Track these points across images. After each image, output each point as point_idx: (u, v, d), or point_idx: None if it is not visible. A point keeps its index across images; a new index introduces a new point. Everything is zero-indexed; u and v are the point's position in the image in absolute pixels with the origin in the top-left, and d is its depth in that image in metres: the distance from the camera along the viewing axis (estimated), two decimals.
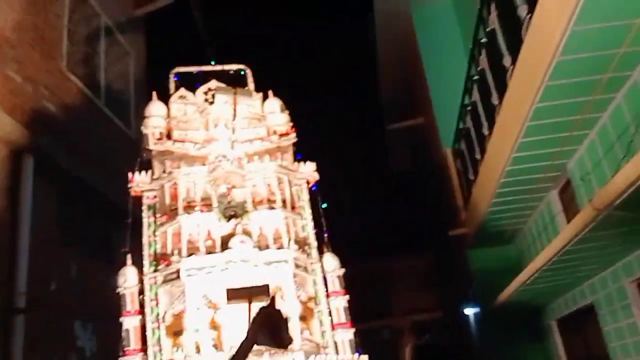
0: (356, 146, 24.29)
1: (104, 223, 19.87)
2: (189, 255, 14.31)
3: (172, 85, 17.45)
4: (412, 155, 28.04)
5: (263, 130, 17.01)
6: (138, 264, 15.19)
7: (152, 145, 16.21)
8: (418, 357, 17.29)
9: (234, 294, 13.55)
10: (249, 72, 18.09)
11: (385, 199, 24.10)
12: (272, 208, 15.10)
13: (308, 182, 16.59)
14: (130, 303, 14.39)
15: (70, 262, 18.84)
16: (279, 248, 14.58)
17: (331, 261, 15.37)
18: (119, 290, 14.44)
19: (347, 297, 15.45)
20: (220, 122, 16.36)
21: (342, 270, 15.66)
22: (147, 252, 14.97)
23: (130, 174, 16.13)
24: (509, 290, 18.61)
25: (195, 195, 15.12)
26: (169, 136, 16.53)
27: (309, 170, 16.80)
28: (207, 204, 14.99)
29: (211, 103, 17.04)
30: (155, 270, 14.63)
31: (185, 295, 13.99)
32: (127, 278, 14.53)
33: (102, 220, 19.94)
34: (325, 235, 15.91)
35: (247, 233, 14.66)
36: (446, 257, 23.65)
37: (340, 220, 16.34)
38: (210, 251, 14.38)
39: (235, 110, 16.43)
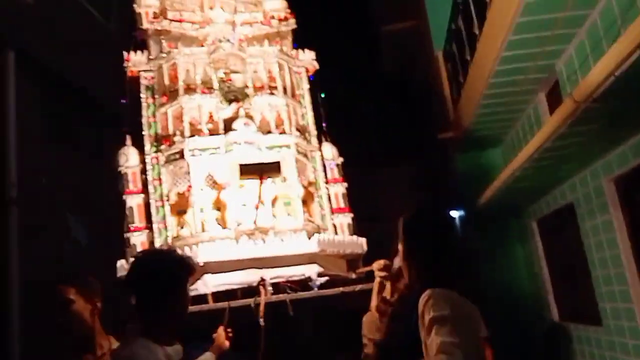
0: (350, 43, 24.32)
1: (93, 120, 19.88)
2: (191, 136, 14.45)
3: None
4: (404, 59, 28.28)
5: (260, 15, 16.52)
6: (138, 145, 15.04)
7: (147, 24, 16.22)
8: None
9: (246, 170, 13.76)
10: None
11: (376, 103, 24.38)
12: (273, 94, 15.13)
13: (307, 71, 16.42)
14: (133, 182, 14.59)
15: (61, 158, 18.88)
16: (281, 133, 14.77)
17: (330, 150, 15.70)
18: (120, 169, 14.59)
19: (346, 184, 16.03)
20: (217, 3, 16.58)
21: (340, 159, 16.19)
22: (147, 133, 15.03)
23: (125, 53, 16.10)
24: (492, 189, 19.13)
25: (195, 77, 14.98)
26: (164, 16, 16.41)
27: (308, 59, 16.90)
28: (207, 86, 14.94)
29: None
30: (157, 151, 14.76)
31: (190, 175, 14.21)
32: (129, 157, 14.65)
33: (90, 117, 19.93)
34: (324, 125, 16.40)
35: (249, 117, 14.73)
36: (435, 161, 24.27)
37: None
38: (213, 133, 14.48)
39: None
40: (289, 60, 15.86)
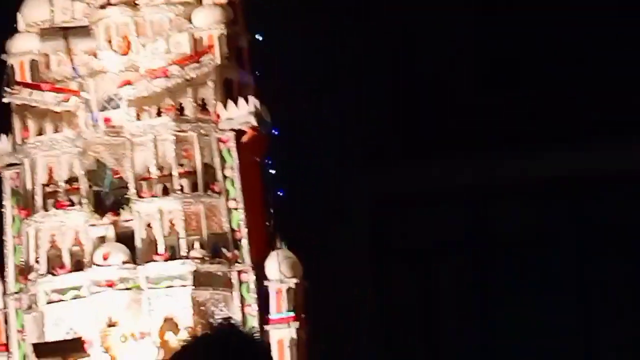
0: None
1: None
2: (51, 271, 12.19)
3: None
4: None
5: (184, 41, 12.84)
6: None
7: (6, 94, 12.62)
8: None
9: (43, 350, 11.74)
10: None
11: None
12: (166, 193, 12.15)
13: (240, 135, 12.70)
14: None
15: None
16: (170, 258, 11.86)
17: (279, 266, 12.11)
18: None
19: (298, 324, 11.98)
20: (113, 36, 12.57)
21: (294, 280, 11.91)
22: (11, 262, 12.77)
23: None
24: None
25: (59, 178, 12.46)
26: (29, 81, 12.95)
27: (241, 114, 12.51)
28: (75, 188, 12.45)
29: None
30: (20, 290, 12.60)
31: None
32: None
33: None
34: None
35: (123, 237, 12.11)
36: None
37: None
38: (79, 263, 12.20)
39: None
40: (201, 127, 12.47)
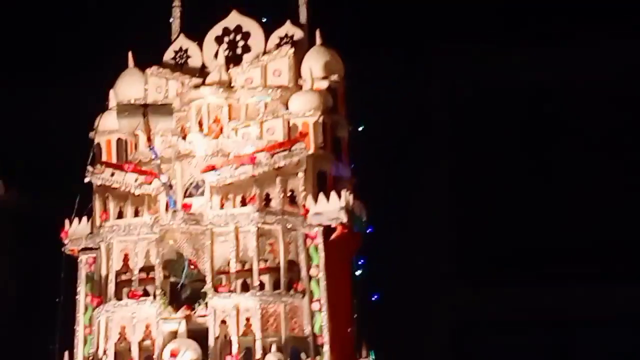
0: None
1: None
2: None
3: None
4: None
5: (278, 127, 12.62)
6: None
7: (88, 173, 12.51)
8: None
9: None
10: None
11: None
12: (245, 289, 11.67)
13: (330, 232, 12.17)
14: None
15: None
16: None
17: None
18: None
19: None
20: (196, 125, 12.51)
21: None
22: (80, 354, 12.49)
23: (66, 222, 12.78)
24: None
25: (135, 265, 12.10)
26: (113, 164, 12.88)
27: (332, 210, 11.95)
28: (150, 277, 12.12)
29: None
30: None
31: None
32: None
33: None
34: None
35: (196, 334, 11.52)
36: None
37: None
38: (148, 358, 11.86)
39: None
40: (286, 220, 11.94)
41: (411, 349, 14.52)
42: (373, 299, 12.17)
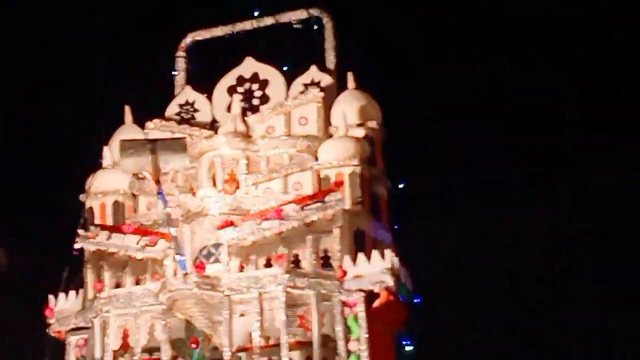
0: None
1: None
2: None
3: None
4: None
5: (306, 181, 12.04)
6: None
7: (79, 238, 11.79)
8: None
9: None
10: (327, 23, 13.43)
11: None
12: None
13: (372, 300, 11.28)
14: None
15: None
16: None
17: None
18: None
19: None
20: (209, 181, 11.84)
21: None
22: None
23: (50, 298, 12.07)
24: None
25: (136, 343, 11.24)
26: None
27: (374, 272, 11.11)
28: (153, 359, 11.55)
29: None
30: None
31: None
32: None
33: None
34: None
35: None
36: None
37: None
38: None
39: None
40: (320, 284, 11.04)
41: None
42: None
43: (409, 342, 11.68)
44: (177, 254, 11.22)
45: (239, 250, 11.28)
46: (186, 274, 11.02)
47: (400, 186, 12.34)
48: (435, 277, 13.19)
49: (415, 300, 11.61)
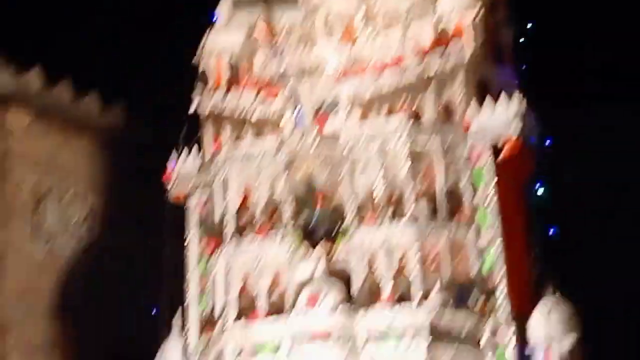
0: None
1: None
2: (240, 317, 11.18)
3: None
4: None
5: (425, 31, 11.73)
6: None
7: (197, 100, 12.07)
8: None
9: None
10: None
11: None
12: (399, 215, 10.74)
13: (499, 150, 11.19)
14: None
15: None
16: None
17: (548, 320, 10.45)
18: None
19: None
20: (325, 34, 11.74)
21: (571, 340, 10.32)
22: (194, 311, 11.96)
23: (169, 164, 12.29)
24: None
25: (256, 201, 11.44)
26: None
27: (502, 121, 10.93)
28: (275, 215, 11.42)
29: None
30: (205, 348, 11.66)
31: None
32: None
33: None
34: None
35: (338, 275, 10.78)
36: None
37: None
38: (275, 311, 11.09)
39: None
40: (444, 135, 11.01)
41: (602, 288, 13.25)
42: (552, 232, 11.14)
43: (541, 186, 11.53)
44: (295, 109, 11.42)
45: (360, 102, 11.25)
46: (305, 131, 11.15)
47: (529, 26, 11.99)
48: (568, 117, 12.85)
49: (546, 143, 11.39)
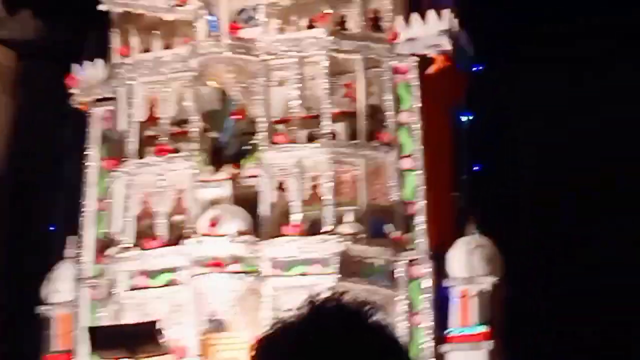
0: None
1: None
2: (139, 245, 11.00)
3: None
4: None
5: None
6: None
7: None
8: None
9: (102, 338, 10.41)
10: None
11: None
12: (312, 139, 10.60)
13: (426, 66, 10.94)
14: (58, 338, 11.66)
15: None
16: (309, 233, 10.33)
17: (468, 258, 10.38)
18: (43, 309, 11.60)
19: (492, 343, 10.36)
20: None
21: (491, 280, 10.21)
22: (89, 235, 11.63)
23: (74, 66, 11.78)
24: None
25: (163, 115, 11.23)
26: None
27: (430, 34, 10.73)
28: (184, 131, 11.19)
29: None
30: (98, 275, 11.43)
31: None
32: (59, 288, 11.56)
33: None
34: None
35: (243, 201, 10.60)
36: None
37: None
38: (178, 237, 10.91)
39: None
40: (368, 47, 10.78)
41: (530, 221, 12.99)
42: (476, 167, 10.91)
43: (467, 115, 11.20)
44: (209, 14, 11.01)
45: (279, 11, 10.93)
46: (218, 35, 10.77)
47: None
48: (502, 45, 12.54)
49: (474, 69, 11.11)
